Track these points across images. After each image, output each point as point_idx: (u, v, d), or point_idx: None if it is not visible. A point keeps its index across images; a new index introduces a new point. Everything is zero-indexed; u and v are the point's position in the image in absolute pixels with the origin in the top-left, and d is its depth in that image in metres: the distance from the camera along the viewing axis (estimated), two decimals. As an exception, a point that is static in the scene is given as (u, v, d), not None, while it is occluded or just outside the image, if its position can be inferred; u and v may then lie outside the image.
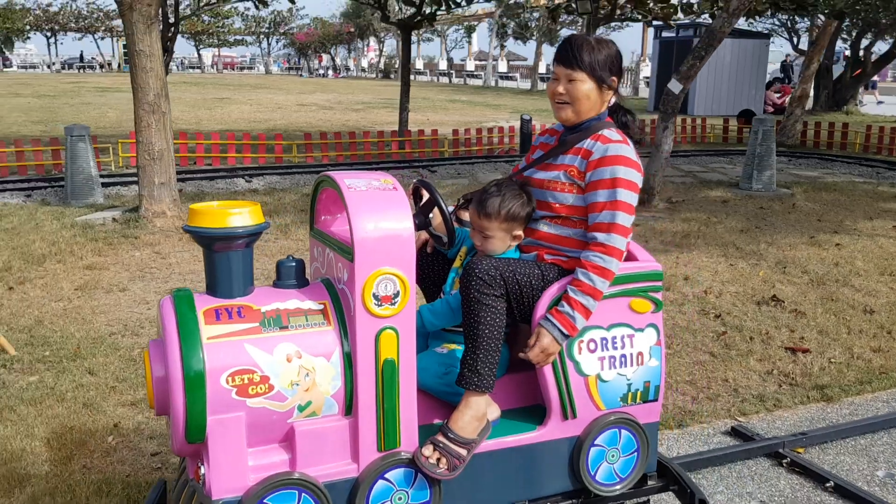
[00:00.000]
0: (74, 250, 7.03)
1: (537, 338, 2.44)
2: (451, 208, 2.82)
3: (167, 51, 13.21)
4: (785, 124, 17.06)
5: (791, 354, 4.80)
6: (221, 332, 2.19)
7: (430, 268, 2.79)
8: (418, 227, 2.58)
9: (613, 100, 2.64)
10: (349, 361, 2.27)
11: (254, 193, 10.46)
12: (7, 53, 54.17)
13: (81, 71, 57.45)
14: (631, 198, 2.48)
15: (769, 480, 3.37)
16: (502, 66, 55.78)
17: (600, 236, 2.45)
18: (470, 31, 50.12)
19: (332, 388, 2.26)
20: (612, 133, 2.56)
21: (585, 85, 2.53)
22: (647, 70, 41.11)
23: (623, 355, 2.58)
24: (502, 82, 50.31)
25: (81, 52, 64.30)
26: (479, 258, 2.49)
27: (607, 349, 2.56)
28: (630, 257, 2.62)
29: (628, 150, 2.52)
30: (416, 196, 2.67)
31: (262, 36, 67.50)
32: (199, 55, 66.34)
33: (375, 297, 2.22)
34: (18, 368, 4.36)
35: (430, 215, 2.62)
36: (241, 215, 2.26)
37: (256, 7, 14.40)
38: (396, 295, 2.24)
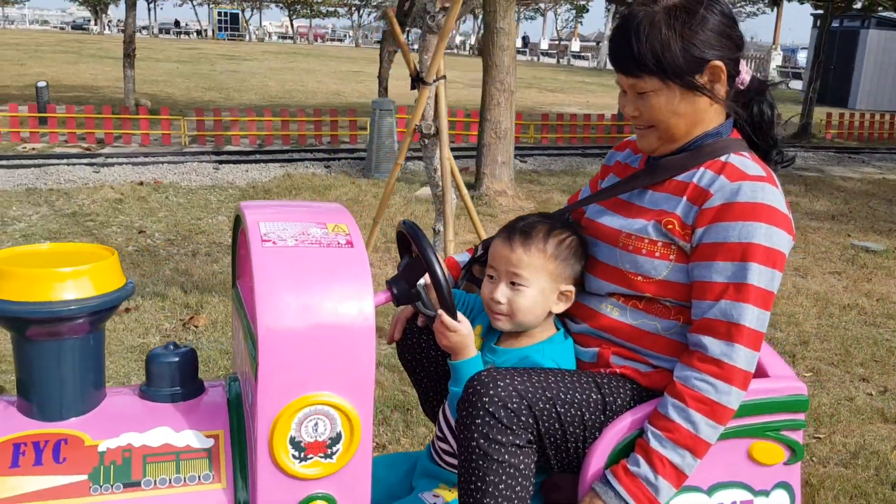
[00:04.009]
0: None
1: None
2: (465, 257, 1.82)
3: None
4: None
5: None
6: (11, 495, 1.22)
7: (426, 353, 1.77)
8: (400, 302, 1.56)
9: (747, 77, 1.58)
10: (248, 549, 1.27)
11: (539, 174, 10.00)
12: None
13: (179, 37, 58.64)
14: (770, 281, 1.43)
15: None
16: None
17: (713, 345, 1.42)
18: (581, 10, 47.34)
19: None
20: (743, 161, 1.52)
21: (661, 97, 1.50)
22: (778, 59, 38.06)
23: (734, 537, 1.54)
24: (615, 64, 48.52)
25: (176, 19, 67.03)
26: (492, 371, 1.45)
27: (707, 527, 1.52)
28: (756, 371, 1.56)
29: (773, 194, 1.47)
30: (401, 247, 1.66)
31: (352, 8, 66.68)
32: (293, 25, 66.03)
33: (295, 444, 1.22)
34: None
35: (421, 282, 1.59)
36: (76, 279, 1.28)
37: None
38: (336, 440, 1.24)
